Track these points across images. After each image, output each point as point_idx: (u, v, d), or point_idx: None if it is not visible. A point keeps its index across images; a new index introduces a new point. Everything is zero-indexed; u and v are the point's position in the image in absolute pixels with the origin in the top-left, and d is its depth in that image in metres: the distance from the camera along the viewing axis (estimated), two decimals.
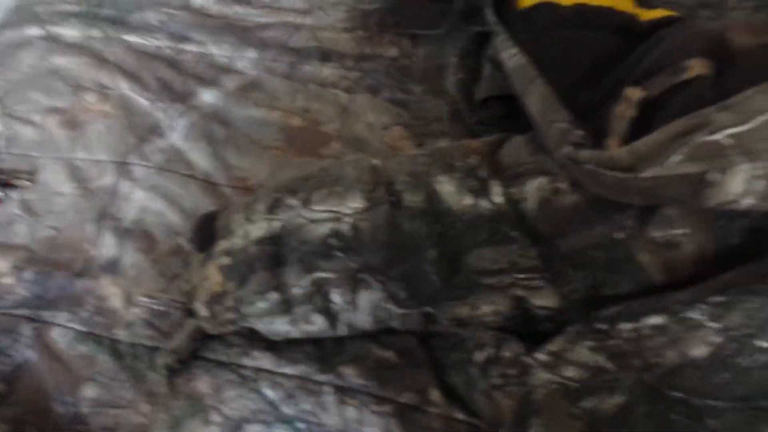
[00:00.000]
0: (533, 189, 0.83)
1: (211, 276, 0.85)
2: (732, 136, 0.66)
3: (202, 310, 0.84)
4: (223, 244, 0.86)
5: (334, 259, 0.82)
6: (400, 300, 0.80)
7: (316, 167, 0.95)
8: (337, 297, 0.81)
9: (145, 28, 1.34)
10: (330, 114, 1.15)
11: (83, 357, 0.89)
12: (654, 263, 0.76)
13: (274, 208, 0.87)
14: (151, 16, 1.36)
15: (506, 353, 0.74)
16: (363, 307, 0.81)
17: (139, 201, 1.05)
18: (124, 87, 1.23)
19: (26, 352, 0.90)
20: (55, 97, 1.22)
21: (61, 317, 0.92)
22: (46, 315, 0.93)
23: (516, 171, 0.86)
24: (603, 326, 0.72)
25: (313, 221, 0.85)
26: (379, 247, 0.82)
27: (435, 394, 0.77)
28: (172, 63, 1.27)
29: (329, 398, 0.78)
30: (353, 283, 0.81)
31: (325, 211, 0.85)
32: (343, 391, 0.79)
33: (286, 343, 0.84)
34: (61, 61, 1.29)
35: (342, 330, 0.82)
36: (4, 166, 1.12)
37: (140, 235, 1.01)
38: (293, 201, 0.86)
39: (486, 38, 1.08)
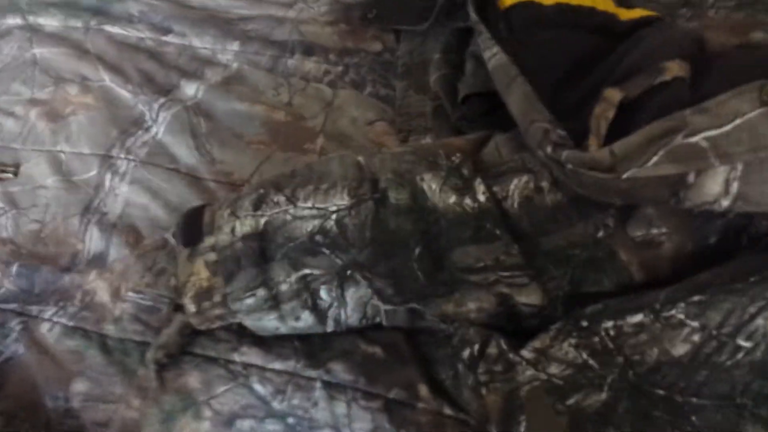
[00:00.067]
0: (516, 187, 0.85)
1: (198, 272, 0.86)
2: (708, 139, 0.67)
3: (190, 305, 0.85)
4: (209, 240, 0.87)
5: (321, 255, 0.83)
6: (386, 296, 0.81)
7: (301, 163, 0.95)
8: (324, 293, 0.82)
9: (127, 19, 1.34)
10: (314, 109, 1.16)
11: (72, 352, 0.89)
12: (634, 262, 0.78)
13: (260, 204, 0.87)
14: (132, 7, 1.37)
15: (492, 350, 0.75)
16: (351, 304, 0.82)
17: (123, 195, 1.05)
18: (106, 79, 1.22)
19: (15, 347, 0.90)
20: (36, 89, 1.22)
21: (49, 312, 0.92)
22: (34, 309, 0.93)
23: (499, 169, 0.87)
24: (586, 323, 0.73)
25: (299, 218, 0.86)
26: (364, 244, 0.83)
27: (423, 390, 0.78)
28: (154, 55, 1.28)
29: (318, 394, 0.79)
30: (340, 279, 0.82)
31: (311, 208, 0.86)
32: (332, 387, 0.80)
33: (274, 339, 0.85)
34: (41, 51, 1.28)
35: (330, 326, 0.83)
36: None
37: (125, 229, 1.01)
38: (279, 197, 0.87)
39: (469, 34, 1.09)
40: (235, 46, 1.27)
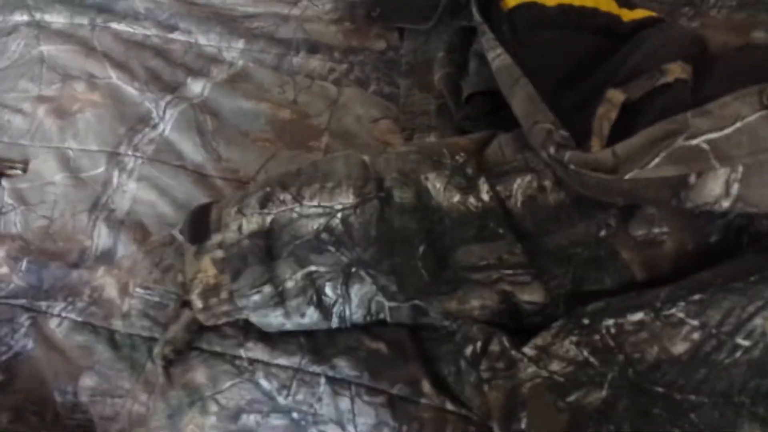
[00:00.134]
0: (519, 186, 0.86)
1: (206, 269, 0.87)
2: (709, 141, 0.69)
3: (197, 302, 0.86)
4: (216, 238, 0.88)
5: (327, 253, 0.85)
6: (390, 293, 0.82)
7: (307, 162, 0.96)
8: (329, 290, 0.83)
9: (133, 16, 1.35)
10: (319, 106, 1.17)
11: (81, 347, 0.90)
12: (636, 260, 0.79)
13: (266, 202, 0.88)
14: (138, 4, 1.37)
15: (494, 347, 0.76)
16: (355, 300, 0.83)
17: (131, 192, 1.06)
18: (113, 76, 1.23)
19: (24, 342, 0.92)
20: (44, 86, 1.23)
21: (58, 307, 0.93)
22: (43, 305, 0.94)
23: (502, 169, 0.88)
24: (587, 321, 0.74)
25: (305, 216, 0.87)
26: (369, 242, 0.84)
27: (426, 386, 0.79)
28: (161, 52, 1.29)
29: (323, 389, 0.80)
30: (345, 276, 0.83)
31: (317, 207, 0.87)
32: (337, 382, 0.81)
33: (279, 335, 0.86)
34: (48, 48, 1.29)
35: (335, 322, 0.84)
36: None
37: (133, 225, 1.02)
38: (285, 196, 0.88)
39: (472, 32, 1.10)
40: (240, 43, 1.28)
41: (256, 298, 0.84)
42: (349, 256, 0.84)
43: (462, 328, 0.79)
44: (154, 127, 1.15)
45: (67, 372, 0.89)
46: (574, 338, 0.74)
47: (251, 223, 0.87)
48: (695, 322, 0.69)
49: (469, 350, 0.77)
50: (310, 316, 0.84)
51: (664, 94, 0.83)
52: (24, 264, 0.99)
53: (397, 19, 1.27)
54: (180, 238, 0.96)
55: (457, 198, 0.86)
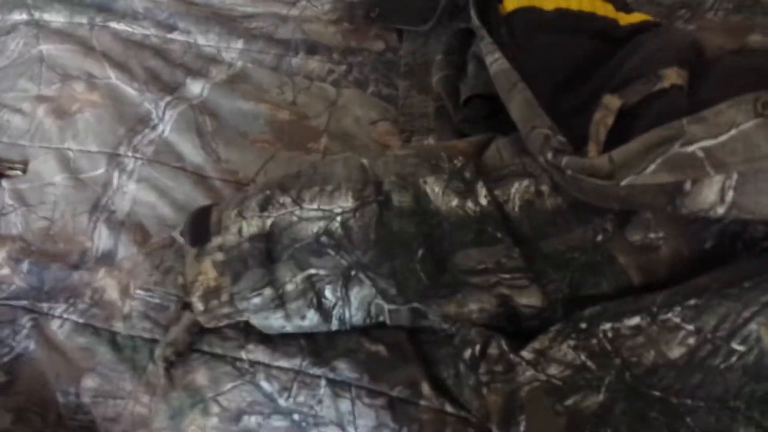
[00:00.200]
0: (516, 191, 0.87)
1: (206, 271, 0.87)
2: (704, 149, 0.69)
3: (198, 304, 0.86)
4: (216, 240, 0.89)
5: (326, 256, 0.85)
6: (389, 296, 0.83)
7: (306, 164, 0.97)
8: (329, 293, 0.84)
9: (132, 16, 1.35)
10: (317, 108, 1.17)
11: (82, 348, 0.90)
12: (633, 265, 0.80)
13: (266, 205, 0.89)
14: (137, 3, 1.38)
15: (493, 351, 0.77)
16: (355, 303, 0.84)
17: (131, 193, 1.06)
18: (112, 76, 1.23)
19: (26, 343, 0.92)
20: (43, 85, 1.23)
21: (59, 309, 0.94)
22: (44, 306, 0.94)
23: (500, 173, 0.89)
24: (584, 326, 0.75)
25: (305, 219, 0.87)
26: (368, 245, 0.85)
27: (426, 388, 0.80)
28: (160, 52, 1.28)
29: (323, 391, 0.81)
30: (345, 279, 0.84)
31: (317, 210, 0.88)
32: (337, 384, 0.82)
33: (280, 337, 0.86)
34: (48, 48, 1.29)
35: (335, 325, 0.85)
36: None
37: (133, 227, 1.02)
38: (285, 199, 0.89)
39: (471, 35, 1.10)
40: (239, 44, 1.28)
41: (256, 300, 0.84)
42: (348, 259, 0.85)
43: (461, 332, 0.80)
44: (154, 128, 1.15)
45: (69, 373, 0.89)
46: (571, 342, 0.75)
47: (251, 226, 0.88)
48: (691, 327, 0.70)
49: (467, 353, 0.78)
50: (311, 319, 0.85)
51: (661, 100, 0.84)
52: (25, 265, 0.99)
53: (395, 20, 1.27)
54: (180, 240, 0.96)
55: (455, 202, 0.86)
